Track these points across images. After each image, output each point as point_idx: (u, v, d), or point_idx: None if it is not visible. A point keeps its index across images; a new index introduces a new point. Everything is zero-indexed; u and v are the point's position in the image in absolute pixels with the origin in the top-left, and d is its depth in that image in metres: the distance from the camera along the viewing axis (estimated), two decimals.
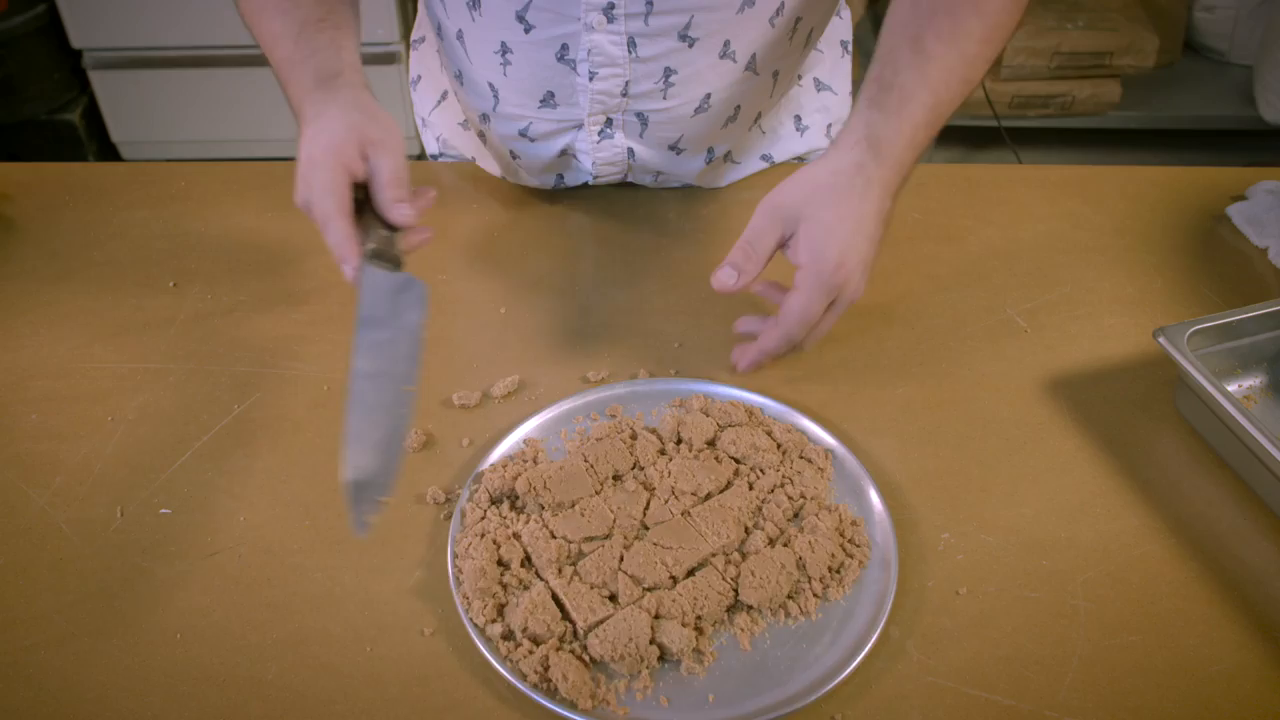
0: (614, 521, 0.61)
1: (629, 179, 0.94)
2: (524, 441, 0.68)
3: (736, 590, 0.58)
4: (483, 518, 0.62)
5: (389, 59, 2.36)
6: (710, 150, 0.91)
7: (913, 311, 0.80)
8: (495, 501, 0.64)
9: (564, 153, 0.90)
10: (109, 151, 2.55)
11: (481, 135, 0.95)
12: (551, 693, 0.54)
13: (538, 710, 0.54)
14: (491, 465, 0.66)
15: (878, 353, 0.77)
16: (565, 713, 0.53)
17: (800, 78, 0.96)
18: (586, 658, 0.55)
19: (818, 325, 0.68)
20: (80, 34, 2.31)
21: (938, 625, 0.59)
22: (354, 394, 0.61)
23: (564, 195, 0.95)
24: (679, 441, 0.67)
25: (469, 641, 0.57)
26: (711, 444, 0.67)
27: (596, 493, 0.63)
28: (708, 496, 0.63)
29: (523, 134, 0.88)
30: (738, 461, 0.66)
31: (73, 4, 2.25)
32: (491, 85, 0.86)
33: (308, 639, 0.58)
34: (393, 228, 0.69)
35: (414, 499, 0.66)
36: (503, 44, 0.82)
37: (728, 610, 0.58)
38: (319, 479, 0.67)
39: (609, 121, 0.86)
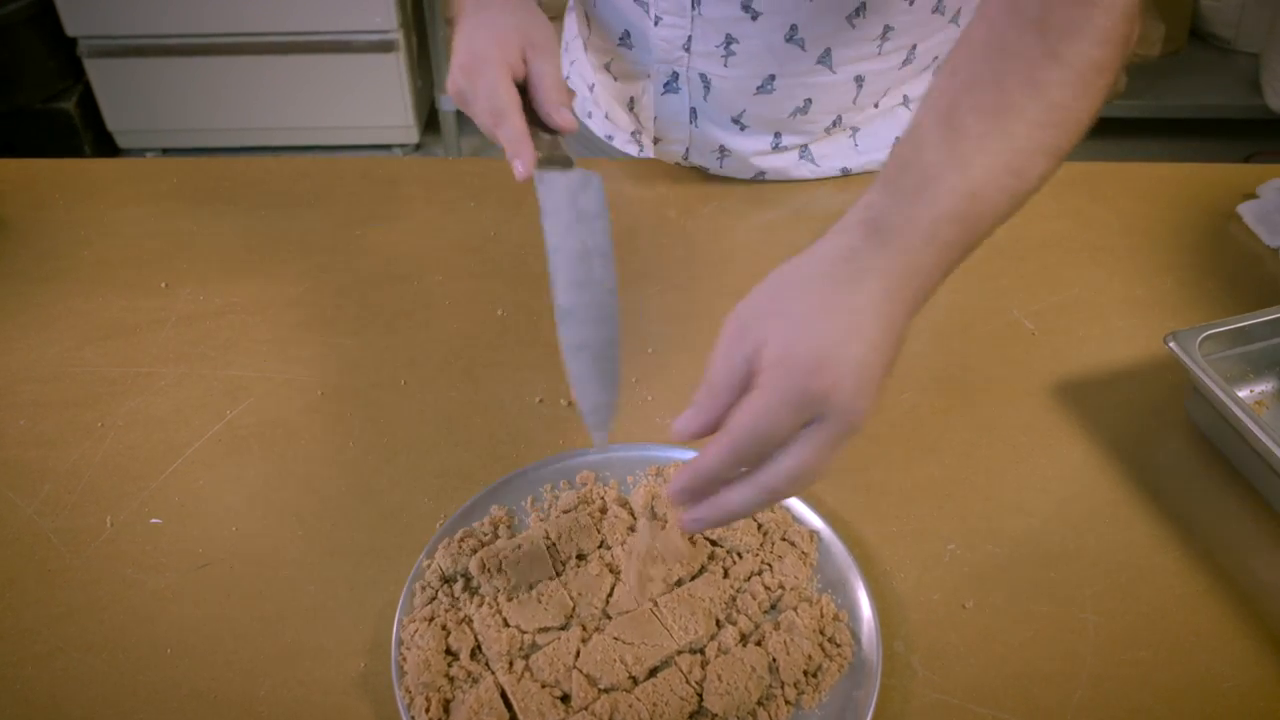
0: (573, 609, 0.57)
1: (690, 155, 0.92)
2: (489, 508, 0.63)
3: (701, 695, 0.53)
4: (433, 598, 0.58)
5: (386, 47, 2.34)
6: (778, 135, 0.89)
7: (919, 313, 0.79)
8: (448, 580, 0.59)
9: (632, 105, 0.92)
10: (105, 140, 2.53)
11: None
12: None
13: None
14: (447, 540, 0.60)
15: None
16: None
17: (908, 99, 0.91)
18: None
19: (799, 458, 0.48)
20: (74, 22, 2.28)
21: (944, 640, 0.58)
22: (563, 314, 0.61)
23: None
24: (653, 517, 0.61)
25: None
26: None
27: (557, 574, 0.59)
28: (678, 583, 0.58)
29: (606, 69, 0.92)
30: (713, 544, 0.61)
31: None
32: (586, 16, 0.91)
33: (301, 654, 0.57)
34: (552, 131, 0.67)
35: (403, 507, 0.65)
36: None
37: (690, 717, 0.53)
38: (312, 487, 0.66)
39: (675, 76, 0.86)
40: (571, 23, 1.01)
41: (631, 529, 0.62)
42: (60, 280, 0.83)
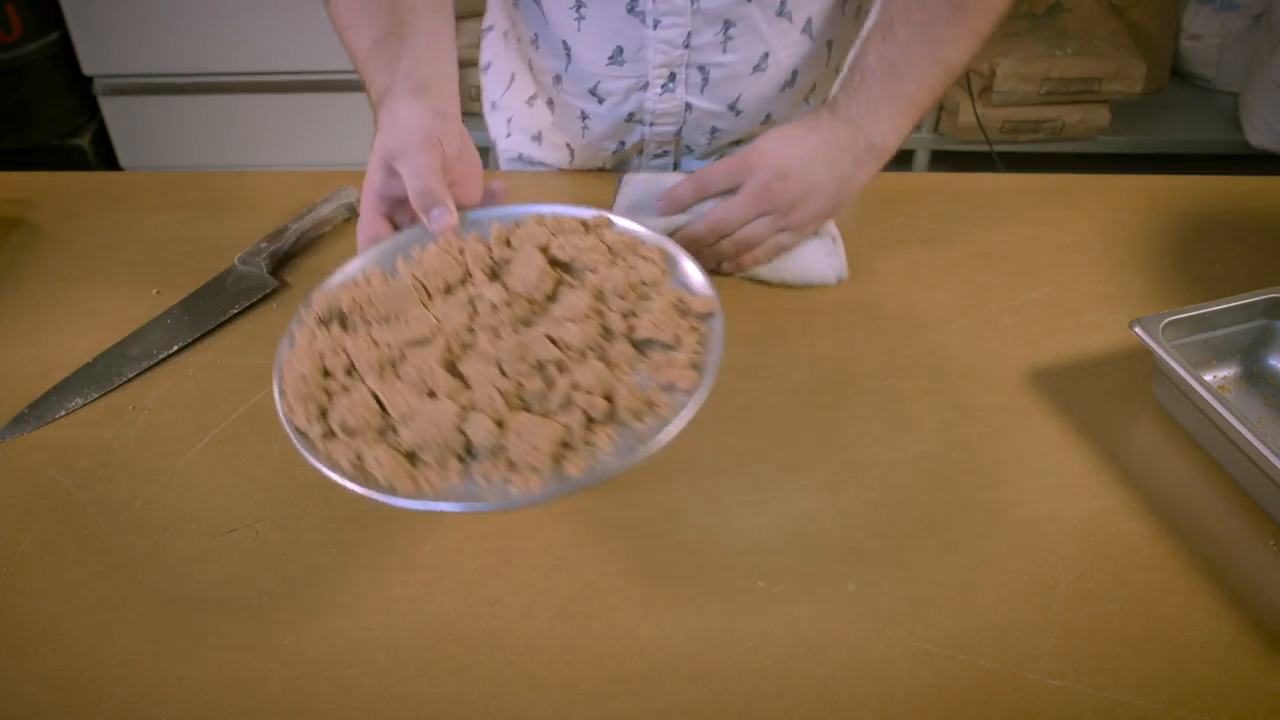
0: (439, 326, 0.61)
1: (684, 136, 0.98)
2: (361, 271, 0.67)
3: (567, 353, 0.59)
4: (312, 339, 0.62)
5: None
6: (768, 116, 0.97)
7: (900, 307, 0.84)
8: (324, 322, 0.63)
9: (631, 117, 0.96)
10: None
11: (551, 104, 1.01)
12: (371, 482, 0.55)
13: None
14: (322, 290, 0.66)
15: (865, 345, 0.80)
16: (384, 498, 0.54)
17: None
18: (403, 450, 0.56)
19: (758, 237, 0.80)
20: (92, 61, 2.36)
21: (924, 595, 0.61)
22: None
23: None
24: (508, 245, 0.67)
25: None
26: (544, 250, 0.66)
27: (425, 306, 0.63)
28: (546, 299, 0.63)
29: (592, 93, 0.95)
30: (564, 268, 0.65)
31: (85, 31, 2.30)
32: (565, 43, 0.93)
33: (322, 609, 0.61)
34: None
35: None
36: (578, 0, 0.89)
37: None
38: None
39: (671, 76, 0.92)
40: (510, 68, 1.04)
41: (491, 258, 0.65)
42: (92, 281, 0.88)
